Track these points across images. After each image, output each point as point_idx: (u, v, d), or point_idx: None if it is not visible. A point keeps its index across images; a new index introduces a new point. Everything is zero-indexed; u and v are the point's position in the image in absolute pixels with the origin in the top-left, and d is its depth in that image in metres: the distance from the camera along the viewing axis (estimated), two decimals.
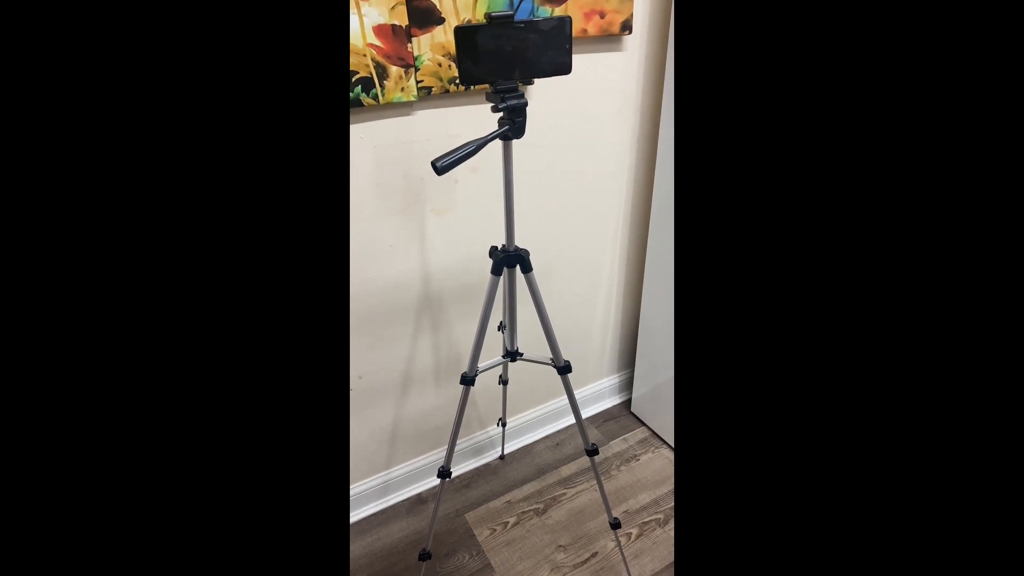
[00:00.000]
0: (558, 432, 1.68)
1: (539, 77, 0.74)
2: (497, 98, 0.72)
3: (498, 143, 0.78)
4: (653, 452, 1.60)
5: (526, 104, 0.73)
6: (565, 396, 1.67)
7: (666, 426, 1.61)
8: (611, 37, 1.20)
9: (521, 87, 0.74)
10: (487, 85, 0.73)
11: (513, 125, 0.74)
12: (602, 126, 1.31)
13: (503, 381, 1.34)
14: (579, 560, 1.30)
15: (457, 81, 1.04)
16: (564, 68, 0.75)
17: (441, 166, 0.69)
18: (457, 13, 0.99)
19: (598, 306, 1.59)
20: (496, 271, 0.88)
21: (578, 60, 1.19)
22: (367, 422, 1.34)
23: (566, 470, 1.55)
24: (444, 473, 1.03)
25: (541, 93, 1.18)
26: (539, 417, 1.65)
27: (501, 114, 0.74)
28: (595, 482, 1.50)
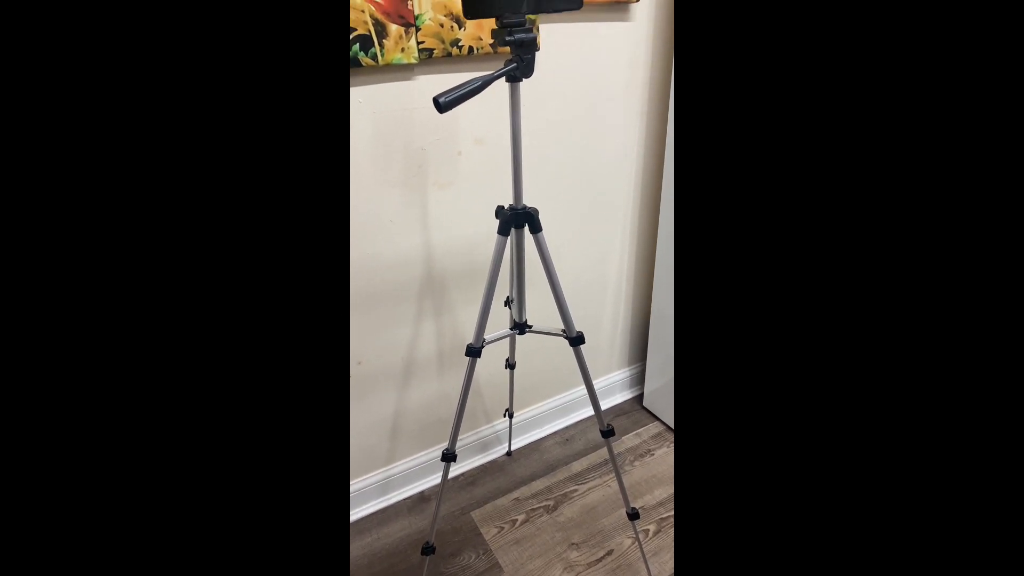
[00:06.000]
0: (568, 428, 1.60)
1: (549, 11, 0.70)
2: (504, 32, 0.68)
3: (505, 89, 0.73)
4: (668, 447, 1.51)
5: (535, 39, 0.69)
6: (573, 391, 1.60)
7: None
8: (618, 5, 1.17)
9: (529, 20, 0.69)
10: (493, 22, 0.68)
11: (521, 63, 0.69)
12: (609, 104, 1.27)
13: (510, 365, 1.27)
14: (594, 558, 1.21)
15: (460, 44, 1.00)
16: (575, 2, 0.70)
17: (444, 102, 0.64)
18: None
19: (607, 296, 1.53)
20: (503, 231, 0.83)
21: (583, 29, 1.15)
22: (366, 413, 1.26)
23: (577, 466, 1.46)
24: (449, 456, 0.96)
25: (541, 65, 1.14)
26: (547, 412, 1.57)
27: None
28: (608, 478, 1.41)
